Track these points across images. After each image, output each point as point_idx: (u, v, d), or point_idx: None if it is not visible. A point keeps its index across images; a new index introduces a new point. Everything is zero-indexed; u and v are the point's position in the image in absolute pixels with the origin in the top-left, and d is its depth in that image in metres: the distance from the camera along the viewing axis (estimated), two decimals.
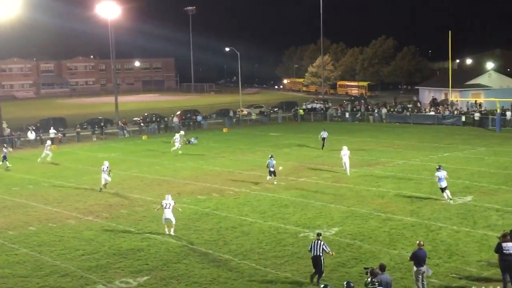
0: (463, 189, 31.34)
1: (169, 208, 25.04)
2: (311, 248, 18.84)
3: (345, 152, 36.42)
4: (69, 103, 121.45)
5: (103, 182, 34.29)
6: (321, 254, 18.57)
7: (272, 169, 34.19)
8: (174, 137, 48.73)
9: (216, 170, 40.18)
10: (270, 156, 35.04)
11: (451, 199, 28.61)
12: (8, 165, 43.53)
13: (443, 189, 28.60)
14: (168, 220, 25.05)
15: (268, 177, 34.55)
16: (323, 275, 18.86)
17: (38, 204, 31.65)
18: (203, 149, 51.12)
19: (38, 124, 66.39)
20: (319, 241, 18.77)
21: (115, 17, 75.24)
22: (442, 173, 28.39)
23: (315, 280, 18.78)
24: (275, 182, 34.36)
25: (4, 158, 43.75)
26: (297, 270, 20.29)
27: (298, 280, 19.41)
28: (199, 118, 72.27)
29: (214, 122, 73.94)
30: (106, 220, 27.86)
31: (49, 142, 48.82)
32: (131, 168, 42.05)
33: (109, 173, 34.37)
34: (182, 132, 53.18)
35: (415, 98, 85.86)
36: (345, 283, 15.11)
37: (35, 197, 33.60)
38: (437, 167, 29.18)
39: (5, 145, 49.22)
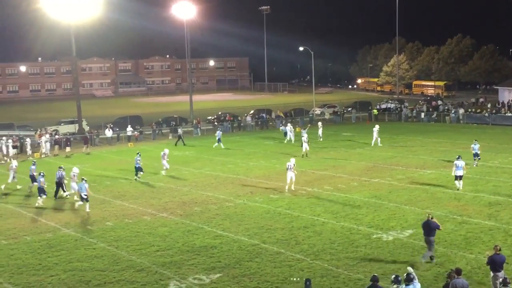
0: None
1: (291, 169, 32.53)
2: None
3: (376, 129, 49.49)
4: (145, 101, 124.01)
5: (304, 150, 44.83)
6: None
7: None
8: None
9: None
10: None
11: (458, 189, 31.03)
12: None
13: (457, 177, 31.17)
14: (290, 179, 32.67)
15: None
16: None
17: (115, 200, 32.53)
18: (276, 148, 51.28)
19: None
20: None
21: (191, 17, 76.67)
22: (461, 163, 31.15)
23: None
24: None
25: (180, 137, 55.64)
26: (369, 271, 20.05)
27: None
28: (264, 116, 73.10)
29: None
30: (180, 217, 28.35)
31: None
32: (204, 166, 42.59)
33: (308, 142, 44.91)
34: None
35: (481, 99, 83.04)
36: (405, 274, 15.23)
37: (112, 193, 34.53)
38: (457, 156, 32.08)
39: (179, 128, 59.01)
